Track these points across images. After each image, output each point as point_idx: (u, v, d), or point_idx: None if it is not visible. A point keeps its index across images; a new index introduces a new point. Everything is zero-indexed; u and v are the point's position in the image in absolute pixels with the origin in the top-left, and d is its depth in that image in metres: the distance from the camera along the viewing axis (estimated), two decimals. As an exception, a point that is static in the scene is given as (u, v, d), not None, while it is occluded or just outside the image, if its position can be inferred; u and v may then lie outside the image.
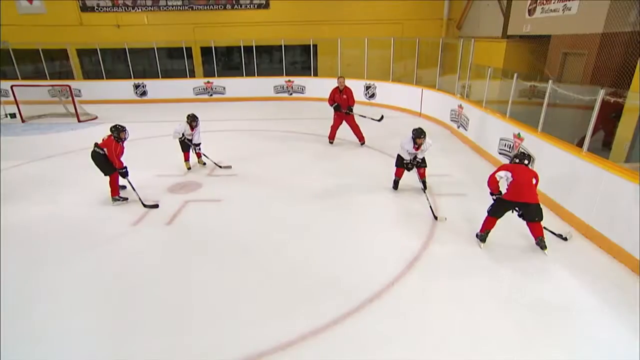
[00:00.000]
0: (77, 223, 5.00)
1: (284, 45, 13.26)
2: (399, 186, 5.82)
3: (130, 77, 13.58)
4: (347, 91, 7.79)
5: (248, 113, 11.25)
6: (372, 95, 12.22)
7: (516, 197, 3.99)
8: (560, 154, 4.88)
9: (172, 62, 14.41)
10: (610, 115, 5.77)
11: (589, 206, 4.35)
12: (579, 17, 7.09)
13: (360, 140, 8.05)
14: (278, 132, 9.38)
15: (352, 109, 7.86)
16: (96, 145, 5.37)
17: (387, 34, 12.84)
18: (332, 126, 8.13)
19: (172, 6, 13.69)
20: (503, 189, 4.14)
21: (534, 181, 3.97)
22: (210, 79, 13.53)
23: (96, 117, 11.08)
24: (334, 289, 3.67)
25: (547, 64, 8.36)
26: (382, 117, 8.19)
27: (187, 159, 6.92)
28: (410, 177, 5.75)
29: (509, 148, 6.18)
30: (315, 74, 13.62)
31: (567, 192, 4.75)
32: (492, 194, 4.20)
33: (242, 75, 13.63)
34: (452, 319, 3.26)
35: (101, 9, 13.63)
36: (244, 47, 13.33)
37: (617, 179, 3.96)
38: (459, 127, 8.57)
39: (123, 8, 13.62)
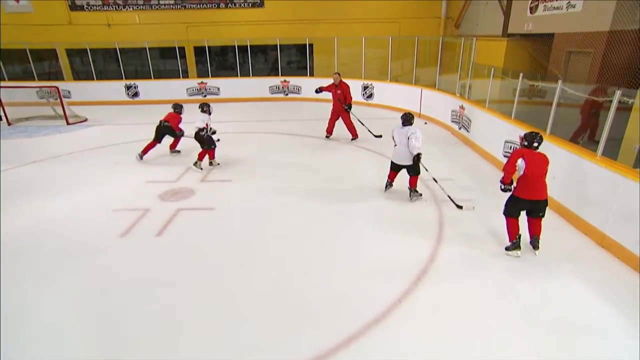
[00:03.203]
0: (61, 235, 4.66)
1: (279, 45, 12.95)
2: (395, 188, 5.60)
3: (122, 78, 13.20)
4: (342, 86, 7.93)
5: (243, 114, 10.94)
6: (370, 96, 11.94)
7: (529, 195, 3.70)
8: (572, 158, 4.62)
9: (164, 62, 14.07)
10: (591, 111, 6.11)
11: (604, 214, 4.09)
12: (584, 15, 6.85)
13: (353, 136, 8.22)
14: (274, 134, 9.08)
15: (350, 106, 8.00)
16: (162, 121, 7.20)
17: (383, 33, 12.58)
18: (329, 120, 8.32)
19: (165, 5, 13.31)
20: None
21: (546, 171, 3.67)
22: (204, 80, 13.19)
23: (86, 120, 10.69)
24: (338, 307, 3.38)
25: (550, 63, 8.12)
26: (381, 136, 8.07)
27: (212, 157, 6.91)
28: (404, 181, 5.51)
29: (515, 151, 5.92)
30: (312, 74, 13.30)
31: (580, 198, 4.50)
32: (504, 185, 3.83)
33: (237, 76, 13.29)
34: (468, 342, 2.98)
35: (91, 8, 13.21)
36: (238, 46, 13.01)
37: (636, 186, 3.70)
38: (460, 128, 8.31)
39: (114, 7, 13.22)
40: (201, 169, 6.70)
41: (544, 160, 3.70)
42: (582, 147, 4.61)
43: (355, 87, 11.05)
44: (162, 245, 4.44)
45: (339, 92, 7.96)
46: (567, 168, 4.72)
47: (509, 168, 3.71)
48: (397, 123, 5.41)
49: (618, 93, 3.99)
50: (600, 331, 3.07)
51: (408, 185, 5.38)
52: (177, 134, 7.35)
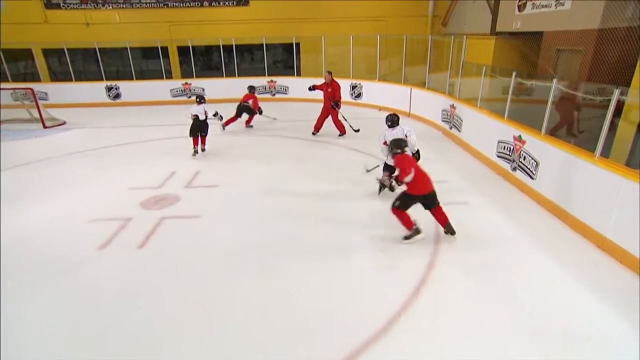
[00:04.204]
0: (36, 248, 4.32)
1: (265, 44, 12.66)
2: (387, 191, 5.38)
3: (102, 79, 12.72)
4: (333, 85, 8.20)
5: (229, 116, 10.64)
6: (359, 95, 11.77)
7: (422, 190, 4.05)
8: (570, 159, 4.51)
9: (147, 62, 13.65)
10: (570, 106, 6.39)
11: (605, 216, 3.98)
12: (574, 13, 6.79)
13: (340, 132, 8.48)
14: (261, 135, 8.83)
15: (337, 104, 8.25)
16: (242, 102, 8.88)
17: (370, 31, 12.45)
18: (318, 117, 8.51)
19: (146, 3, 12.86)
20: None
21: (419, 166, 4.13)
22: (189, 80, 12.83)
23: (64, 123, 10.22)
24: (333, 323, 3.17)
25: (540, 61, 8.07)
26: (358, 130, 8.52)
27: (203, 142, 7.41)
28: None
29: (509, 151, 5.81)
30: (299, 74, 13.07)
31: (578, 200, 4.39)
32: (400, 181, 4.07)
33: (222, 76, 12.97)
34: (474, 356, 2.81)
35: (68, 6, 12.66)
36: (223, 46, 12.68)
37: (636, 187, 3.59)
38: (451, 128, 8.20)
39: (92, 5, 12.71)
40: (197, 153, 7.32)
41: (416, 161, 4.23)
42: (579, 148, 4.49)
43: (343, 86, 10.85)
44: (144, 258, 4.15)
45: (329, 90, 8.19)
46: (563, 169, 4.62)
47: (408, 169, 3.97)
48: (383, 127, 5.25)
49: (617, 92, 3.88)
50: (609, 340, 2.94)
51: None
52: (254, 112, 9.04)
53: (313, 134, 8.60)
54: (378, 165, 5.70)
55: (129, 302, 3.46)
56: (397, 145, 4.18)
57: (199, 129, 7.15)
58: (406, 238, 4.20)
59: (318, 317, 3.25)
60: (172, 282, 3.74)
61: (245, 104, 8.88)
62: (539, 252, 4.09)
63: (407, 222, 4.17)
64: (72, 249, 4.31)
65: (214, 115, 7.35)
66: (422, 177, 4.03)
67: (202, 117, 7.07)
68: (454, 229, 4.25)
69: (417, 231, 4.17)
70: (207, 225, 4.84)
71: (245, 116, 9.18)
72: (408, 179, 3.97)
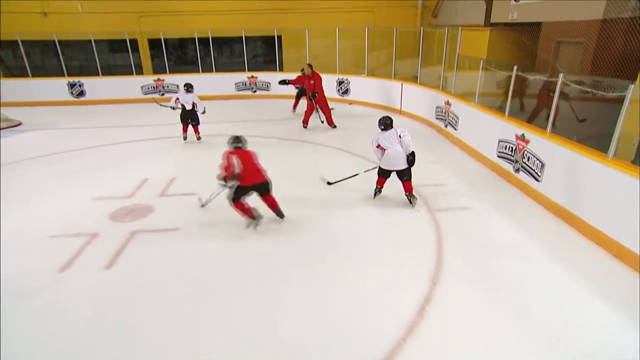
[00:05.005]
0: (-17, 272, 3.95)
1: (245, 37, 12.33)
2: (384, 194, 5.32)
3: (64, 75, 12.14)
4: (314, 76, 8.53)
5: (206, 115, 10.28)
6: (346, 91, 11.59)
7: (253, 181, 4.52)
8: (579, 159, 4.41)
9: (114, 56, 13.18)
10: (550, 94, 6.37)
11: (621, 223, 3.88)
12: (575, 3, 6.75)
13: (329, 124, 8.89)
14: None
15: (315, 95, 8.61)
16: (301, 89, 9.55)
17: (357, 23, 12.29)
18: (305, 111, 8.86)
19: (111, -9, 12.35)
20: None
21: (256, 161, 4.58)
22: (161, 76, 12.39)
23: (20, 124, 9.70)
24: (329, 351, 2.94)
25: (538, 53, 8.04)
26: (323, 122, 8.99)
27: (185, 131, 7.97)
28: (394, 186, 5.19)
29: (511, 151, 5.71)
30: (281, 69, 12.78)
31: (591, 205, 4.28)
32: (224, 181, 4.45)
33: (198, 71, 12.55)
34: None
35: (22, -7, 12.03)
36: (199, 39, 12.26)
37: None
38: (446, 125, 8.09)
39: (50, -8, 12.12)
40: (186, 139, 8.01)
41: (250, 155, 4.59)
42: (591, 148, 4.39)
43: (329, 82, 10.71)
44: (113, 281, 3.82)
45: (311, 82, 8.54)
46: (573, 171, 4.51)
47: (229, 167, 4.40)
48: (376, 131, 5.11)
49: (631, 87, 3.79)
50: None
51: (404, 192, 5.06)
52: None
53: (304, 127, 8.92)
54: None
55: (94, 335, 3.15)
56: (234, 141, 4.59)
57: (187, 117, 7.75)
58: (249, 226, 4.67)
59: (312, 344, 3.02)
60: (145, 308, 3.44)
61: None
62: (550, 261, 3.97)
63: (247, 212, 4.61)
64: (27, 271, 3.95)
65: (203, 112, 7.88)
66: (252, 171, 4.52)
67: (188, 107, 7.59)
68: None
69: (259, 216, 4.65)
70: (185, 239, 4.54)
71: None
72: (225, 175, 4.43)
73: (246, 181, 4.53)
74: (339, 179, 5.78)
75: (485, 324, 3.19)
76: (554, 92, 6.58)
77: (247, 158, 4.54)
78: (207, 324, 3.24)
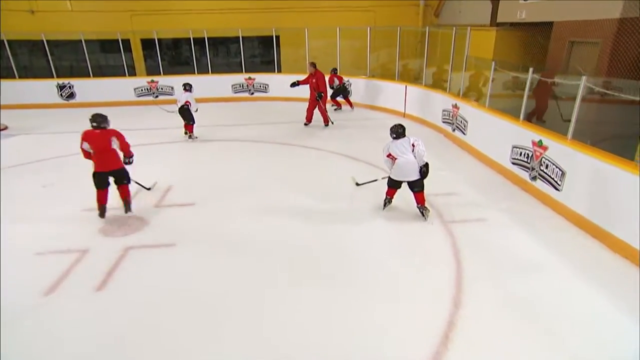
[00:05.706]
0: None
1: (242, 37, 12.05)
2: (393, 205, 5.09)
3: (53, 76, 11.78)
4: (317, 75, 8.65)
5: (202, 118, 9.95)
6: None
7: (103, 168, 4.59)
8: (605, 168, 4.17)
9: (106, 57, 12.89)
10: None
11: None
12: (589, 2, 6.55)
13: (324, 122, 9.03)
14: (241, 141, 8.25)
15: (321, 95, 8.68)
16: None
17: (357, 22, 12.08)
18: (307, 108, 9.00)
19: (103, -11, 12.03)
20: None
21: (109, 144, 4.54)
22: (155, 78, 12.06)
23: (6, 128, 9.35)
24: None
25: (548, 54, 7.83)
26: (332, 122, 9.10)
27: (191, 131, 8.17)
28: (404, 196, 4.93)
29: (527, 158, 5.47)
30: (279, 70, 12.51)
31: (619, 218, 4.05)
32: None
33: (194, 73, 12.25)
34: None
35: (8, -10, 11.68)
36: (194, 39, 11.97)
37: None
38: (454, 130, 7.86)
39: (38, -10, 11.78)
40: (194, 137, 8.21)
41: (108, 138, 4.53)
42: (616, 156, 4.16)
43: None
44: (103, 304, 3.53)
45: (314, 81, 8.66)
46: (598, 180, 4.28)
47: (83, 151, 4.55)
48: (379, 134, 4.86)
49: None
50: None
51: (416, 204, 4.80)
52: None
53: (305, 124, 9.12)
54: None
55: (83, 370, 2.86)
56: (90, 119, 4.59)
57: (181, 116, 7.81)
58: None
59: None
60: (139, 333, 3.15)
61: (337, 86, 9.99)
62: (578, 280, 3.73)
63: (99, 202, 4.70)
64: (10, 294, 3.63)
65: (195, 111, 7.86)
66: (106, 156, 4.54)
67: (179, 104, 7.66)
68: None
69: (104, 209, 4.76)
70: (182, 256, 4.25)
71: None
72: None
73: (98, 166, 4.52)
74: (366, 181, 5.63)
75: (514, 350, 2.94)
76: (548, 90, 6.75)
77: (102, 140, 4.47)
78: (206, 355, 2.96)
